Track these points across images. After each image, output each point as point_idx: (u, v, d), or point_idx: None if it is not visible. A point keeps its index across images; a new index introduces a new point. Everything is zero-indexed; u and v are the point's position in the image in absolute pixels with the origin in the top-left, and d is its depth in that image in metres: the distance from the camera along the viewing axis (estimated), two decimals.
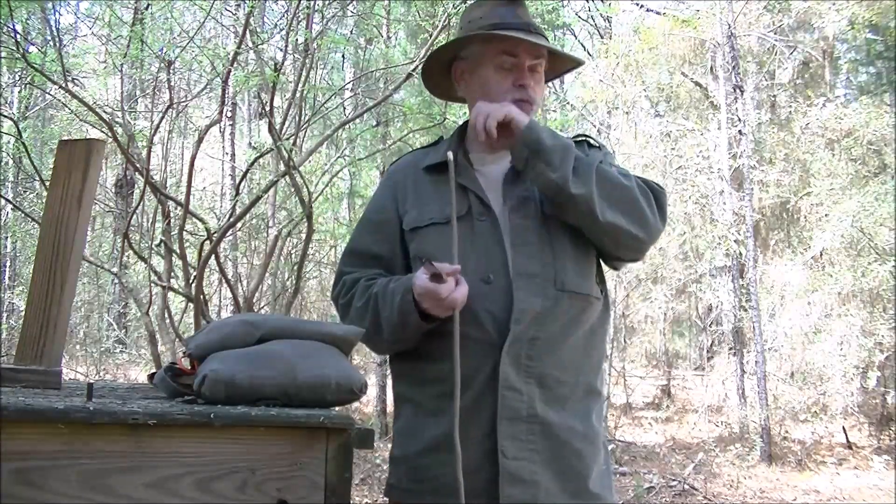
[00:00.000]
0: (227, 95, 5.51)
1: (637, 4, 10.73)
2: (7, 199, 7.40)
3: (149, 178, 4.80)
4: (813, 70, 9.95)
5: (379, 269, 1.60)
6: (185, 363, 1.19)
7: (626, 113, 10.47)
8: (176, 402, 1.10)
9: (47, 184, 1.87)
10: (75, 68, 6.06)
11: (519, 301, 1.45)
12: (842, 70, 10.99)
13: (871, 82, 10.66)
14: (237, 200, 5.73)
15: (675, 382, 11.79)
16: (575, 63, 1.75)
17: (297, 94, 4.90)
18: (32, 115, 8.96)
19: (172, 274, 5.11)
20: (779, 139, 8.88)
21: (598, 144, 1.68)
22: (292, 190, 4.99)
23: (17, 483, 0.90)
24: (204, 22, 5.58)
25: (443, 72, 1.69)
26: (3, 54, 4.88)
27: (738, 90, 8.11)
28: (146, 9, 5.43)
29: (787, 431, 7.70)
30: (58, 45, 5.10)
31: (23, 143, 5.16)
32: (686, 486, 6.08)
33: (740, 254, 8.10)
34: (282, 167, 4.74)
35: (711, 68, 9.14)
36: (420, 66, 1.80)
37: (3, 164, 7.89)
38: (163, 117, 5.24)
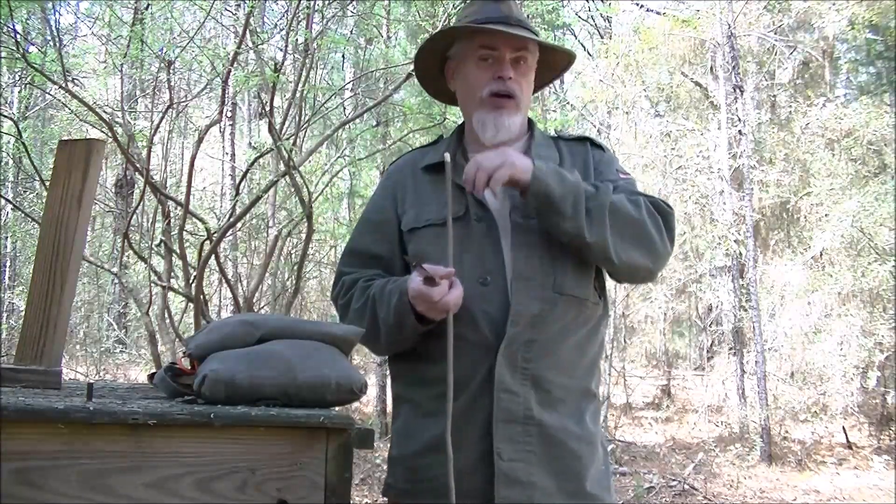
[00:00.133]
0: (227, 95, 5.50)
1: (637, 4, 10.73)
2: (7, 199, 7.40)
3: (149, 178, 4.80)
4: (813, 70, 9.95)
5: (378, 270, 1.60)
6: (185, 363, 1.19)
7: (626, 113, 10.47)
8: (176, 402, 1.10)
9: (47, 184, 1.87)
10: (75, 68, 6.06)
11: (516, 303, 1.44)
12: (842, 70, 10.99)
13: (871, 82, 10.65)
14: (237, 200, 5.73)
15: (675, 382, 11.79)
16: (567, 56, 1.71)
17: (297, 94, 4.90)
18: (32, 115, 8.96)
19: (172, 274, 5.11)
20: (779, 139, 8.88)
21: (601, 146, 1.66)
22: (292, 190, 4.99)
23: (17, 483, 0.90)
24: (204, 22, 5.58)
25: (438, 74, 1.70)
26: (3, 54, 4.88)
27: (738, 90, 8.11)
28: (146, 9, 5.43)
29: (787, 431, 7.70)
30: (58, 45, 5.10)
31: (23, 143, 5.16)
32: (686, 486, 6.08)
33: (740, 254, 8.10)
34: (282, 167, 4.74)
35: (711, 68, 9.14)
36: (415, 69, 1.77)
37: (3, 164, 7.88)
38: (163, 117, 5.24)
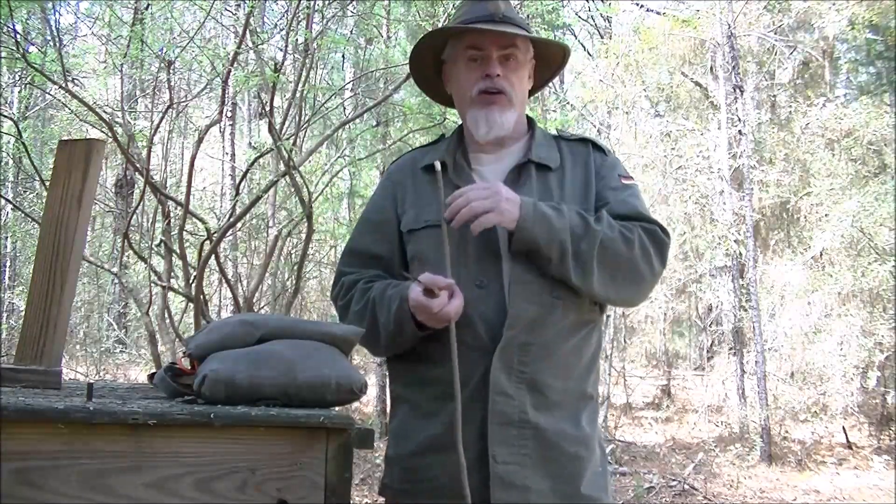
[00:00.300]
0: (227, 95, 5.50)
1: (637, 4, 10.72)
2: (7, 199, 7.40)
3: (149, 178, 4.80)
4: (813, 70, 9.94)
5: (378, 270, 1.60)
6: (185, 363, 1.19)
7: (626, 113, 10.46)
8: (176, 402, 1.10)
9: (47, 184, 1.87)
10: (75, 68, 6.06)
11: (512, 307, 1.44)
12: (842, 70, 10.99)
13: (871, 82, 10.65)
14: (237, 200, 5.72)
15: (675, 382, 11.79)
16: (561, 49, 1.69)
17: (297, 94, 4.90)
18: (32, 115, 8.95)
19: (172, 274, 5.11)
20: (779, 139, 8.88)
21: (603, 148, 1.65)
22: (292, 190, 4.99)
23: (17, 483, 0.90)
24: (204, 22, 5.58)
25: (436, 77, 1.70)
26: (3, 54, 4.87)
27: (738, 90, 8.11)
28: (146, 9, 5.42)
29: (787, 431, 7.70)
30: (58, 45, 5.10)
31: (23, 143, 5.15)
32: (686, 486, 6.08)
33: (740, 254, 8.10)
34: (282, 167, 4.73)
35: (711, 68, 9.14)
36: (413, 75, 1.76)
37: (3, 164, 7.88)
38: (163, 117, 5.23)
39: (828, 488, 6.29)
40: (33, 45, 6.49)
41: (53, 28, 7.11)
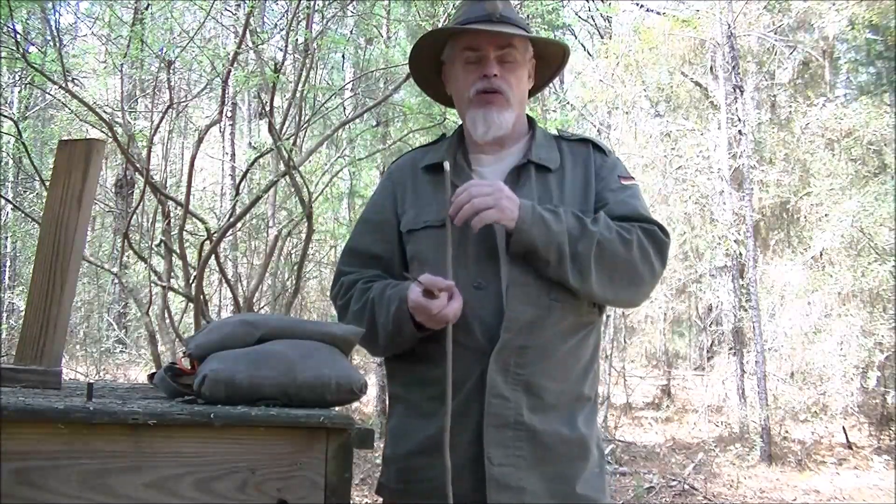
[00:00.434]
0: (227, 95, 5.50)
1: (637, 4, 10.72)
2: (7, 199, 7.40)
3: (149, 178, 4.80)
4: (813, 70, 9.94)
5: (378, 270, 1.60)
6: (185, 363, 1.19)
7: (626, 113, 10.46)
8: (176, 402, 1.10)
9: (47, 184, 1.87)
10: (75, 68, 6.06)
11: (509, 309, 1.44)
12: (842, 70, 10.99)
13: (871, 82, 10.65)
14: (237, 200, 5.72)
15: (675, 382, 11.79)
16: (561, 48, 1.68)
17: (297, 94, 4.90)
18: (32, 115, 8.95)
19: (172, 274, 5.11)
20: (779, 139, 8.88)
21: (604, 149, 1.64)
22: (292, 190, 4.99)
23: (17, 483, 0.90)
24: (204, 22, 5.58)
25: (437, 78, 1.70)
26: (3, 54, 4.87)
27: (738, 90, 8.11)
28: (146, 9, 5.42)
29: (787, 431, 7.70)
30: (58, 45, 5.10)
31: (23, 143, 5.15)
32: (686, 486, 6.08)
33: (740, 254, 8.10)
34: (282, 167, 4.73)
35: (711, 68, 9.14)
36: (413, 76, 1.76)
37: (3, 164, 7.88)
38: (163, 117, 5.24)
39: (828, 488, 6.29)
40: (33, 45, 6.49)
41: (53, 28, 7.12)
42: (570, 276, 1.43)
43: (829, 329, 7.37)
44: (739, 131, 8.11)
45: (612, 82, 9.56)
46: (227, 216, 5.77)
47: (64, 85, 4.59)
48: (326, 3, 5.13)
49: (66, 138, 1.56)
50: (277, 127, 4.62)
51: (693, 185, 8.98)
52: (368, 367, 8.89)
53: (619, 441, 7.74)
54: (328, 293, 1.75)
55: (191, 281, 4.68)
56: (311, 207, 4.64)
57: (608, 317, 8.57)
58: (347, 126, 6.06)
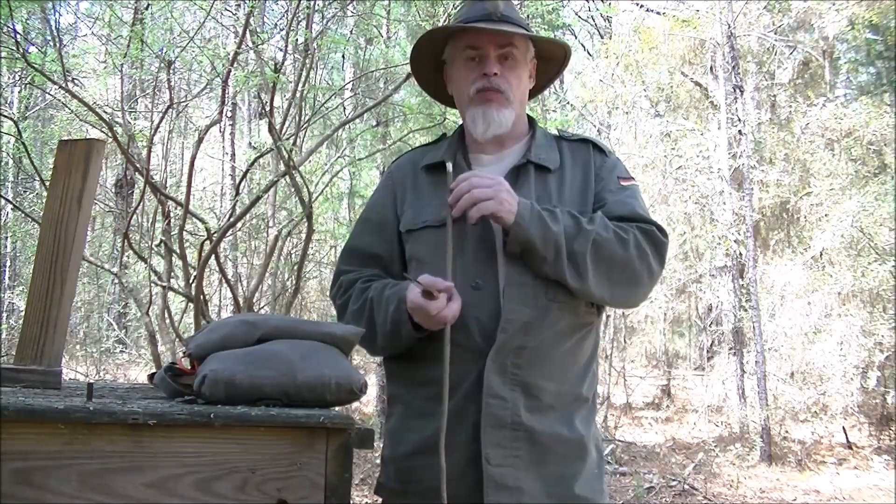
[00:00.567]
0: (227, 95, 5.50)
1: (637, 4, 10.72)
2: (7, 199, 7.40)
3: (149, 178, 4.80)
4: (813, 70, 9.94)
5: (377, 269, 1.60)
6: (185, 363, 1.19)
7: (626, 113, 10.47)
8: (176, 402, 1.10)
9: (47, 184, 1.87)
10: (75, 68, 6.05)
11: (507, 310, 1.44)
12: (842, 70, 10.99)
13: (871, 82, 10.66)
14: (237, 200, 5.73)
15: (675, 382, 11.79)
16: (562, 48, 1.68)
17: (297, 94, 4.90)
18: (32, 115, 8.95)
19: (172, 274, 5.11)
20: (779, 139, 8.88)
21: (604, 149, 1.64)
22: (292, 190, 4.99)
23: (17, 483, 0.90)
24: (204, 22, 5.58)
25: (438, 78, 1.70)
26: (3, 54, 4.87)
27: (737, 90, 8.11)
28: (146, 9, 5.43)
29: (787, 431, 7.70)
30: (58, 45, 5.10)
31: (23, 143, 5.15)
32: (686, 486, 6.08)
33: (740, 254, 8.10)
34: (282, 167, 4.74)
35: (711, 68, 9.14)
36: (415, 77, 1.76)
37: (3, 164, 7.89)
38: (163, 117, 5.24)
39: (828, 488, 6.29)
40: (33, 45, 6.50)
41: (53, 28, 7.13)
42: (567, 274, 1.43)
43: (829, 329, 7.36)
44: (739, 131, 8.12)
45: (612, 82, 9.56)
46: (227, 216, 5.77)
47: (64, 85, 4.59)
48: (326, 3, 5.13)
49: (66, 138, 1.56)
50: (277, 127, 4.62)
51: (693, 185, 8.98)
52: (368, 367, 8.89)
53: (619, 441, 7.74)
54: (328, 293, 1.75)
55: (191, 281, 4.68)
56: (311, 207, 4.64)
57: (608, 317, 8.58)
58: (347, 126, 6.07)
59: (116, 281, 6.42)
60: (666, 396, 10.93)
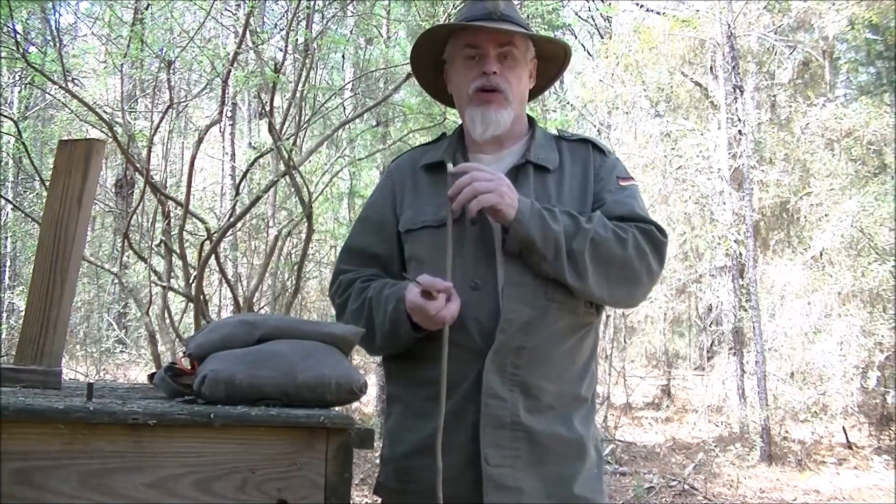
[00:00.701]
0: (227, 95, 5.50)
1: (637, 4, 10.72)
2: (7, 199, 7.40)
3: (149, 178, 4.80)
4: (813, 70, 9.95)
5: (376, 269, 1.60)
6: (185, 363, 1.19)
7: (626, 113, 10.47)
8: (176, 402, 1.10)
9: (47, 184, 1.87)
10: (75, 68, 6.05)
11: (506, 310, 1.44)
12: (842, 70, 10.99)
13: (871, 82, 10.66)
14: (237, 200, 5.73)
15: (675, 382, 11.79)
16: (563, 47, 1.68)
17: (297, 94, 4.90)
18: (32, 115, 8.95)
19: (172, 274, 5.11)
20: (779, 139, 8.88)
21: (603, 150, 1.64)
22: (292, 190, 4.99)
23: (17, 483, 0.90)
24: (204, 22, 5.58)
25: (439, 78, 1.70)
26: (3, 54, 4.87)
27: (737, 90, 8.12)
28: (146, 9, 5.43)
29: (787, 431, 7.70)
30: (58, 45, 5.10)
31: (23, 143, 5.16)
32: (686, 486, 6.08)
33: (740, 254, 8.10)
34: (282, 167, 4.74)
35: (711, 68, 9.14)
36: (416, 77, 1.76)
37: (3, 164, 7.89)
38: (163, 117, 5.24)
39: (828, 488, 6.29)
40: (33, 45, 6.50)
41: (53, 28, 7.13)
42: (566, 273, 1.42)
43: (829, 329, 7.37)
44: (739, 131, 8.12)
45: (612, 82, 9.56)
46: (227, 216, 5.77)
47: (64, 85, 4.59)
48: (326, 3, 5.13)
49: (66, 138, 1.56)
50: (277, 127, 4.62)
51: (693, 185, 8.98)
52: (368, 367, 8.89)
53: (619, 441, 7.74)
54: (327, 293, 1.74)
55: (191, 281, 4.68)
56: (311, 207, 4.64)
57: (608, 317, 8.57)
58: (347, 126, 6.07)
59: (116, 281, 6.42)
60: (666, 396, 10.93)
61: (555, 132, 1.69)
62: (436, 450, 1.37)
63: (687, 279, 9.64)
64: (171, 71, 5.05)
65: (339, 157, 6.79)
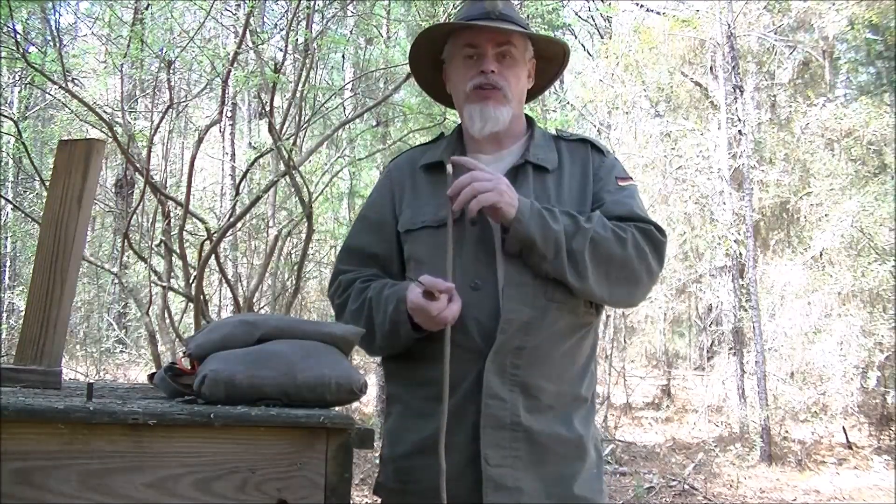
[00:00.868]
0: (227, 95, 5.50)
1: (637, 4, 10.72)
2: (7, 199, 7.40)
3: (149, 178, 4.80)
4: (813, 70, 9.94)
5: (376, 269, 1.60)
6: (185, 363, 1.19)
7: (626, 113, 10.47)
8: (176, 402, 1.10)
9: (47, 184, 1.87)
10: (75, 68, 6.06)
11: (506, 310, 1.44)
12: (842, 70, 10.99)
13: (871, 82, 10.66)
14: (237, 200, 5.73)
15: (675, 382, 11.79)
16: (561, 47, 1.68)
17: (297, 94, 4.90)
18: (32, 115, 8.95)
19: (172, 274, 5.11)
20: (779, 139, 8.88)
21: (602, 150, 1.64)
22: (292, 190, 4.99)
23: (17, 483, 0.90)
24: (204, 22, 5.58)
25: (439, 78, 1.70)
26: (3, 54, 4.87)
27: (737, 90, 8.12)
28: (146, 9, 5.43)
29: (787, 431, 7.70)
30: (58, 45, 5.10)
31: (23, 143, 5.16)
32: (686, 486, 6.08)
33: (740, 254, 8.10)
34: (282, 167, 4.74)
35: (711, 68, 9.14)
36: (415, 77, 1.76)
37: (3, 164, 7.89)
38: (163, 117, 5.24)
39: (828, 488, 6.29)
40: (33, 45, 6.50)
41: (53, 28, 7.13)
42: (567, 272, 1.42)
43: (829, 329, 7.36)
44: (739, 131, 8.11)
45: (612, 82, 9.56)
46: (227, 216, 5.77)
47: (64, 85, 4.59)
48: (326, 3, 5.13)
49: (66, 138, 1.56)
50: (277, 127, 4.62)
51: (693, 185, 8.98)
52: (368, 367, 8.89)
53: (619, 441, 7.74)
54: (327, 292, 1.74)
55: (191, 281, 4.68)
56: (311, 207, 4.64)
57: (608, 317, 8.57)
58: (347, 126, 6.07)
59: (116, 281, 6.42)
60: (666, 396, 10.92)
61: (553, 132, 1.69)
62: (439, 450, 1.37)
63: (687, 279, 9.64)
64: (171, 71, 5.05)
65: (339, 157, 6.79)
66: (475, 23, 1.53)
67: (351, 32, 6.39)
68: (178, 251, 4.76)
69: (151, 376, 1.32)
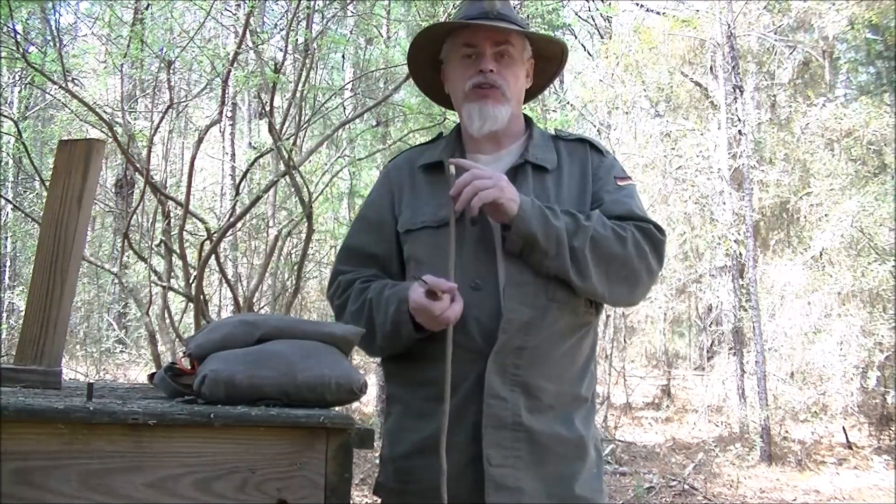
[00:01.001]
0: (227, 95, 5.50)
1: (637, 4, 10.72)
2: (7, 199, 7.41)
3: (149, 178, 4.80)
4: (813, 70, 9.94)
5: (375, 269, 1.60)
6: (185, 363, 1.19)
7: (626, 113, 10.46)
8: (176, 402, 1.10)
9: (47, 184, 1.87)
10: (75, 68, 6.05)
11: (507, 310, 1.44)
12: (842, 70, 10.99)
13: (871, 82, 10.66)
14: (237, 200, 5.72)
15: (675, 382, 11.79)
16: (558, 46, 1.68)
17: (297, 94, 4.90)
18: (32, 115, 8.95)
19: (172, 274, 5.11)
20: (779, 139, 8.88)
21: (601, 149, 1.64)
22: (292, 190, 4.99)
23: (17, 483, 0.90)
24: (204, 22, 5.58)
25: (437, 79, 1.70)
26: (3, 54, 4.87)
27: (737, 90, 8.11)
28: (146, 9, 5.42)
29: (787, 431, 7.70)
30: (58, 45, 5.10)
31: (23, 143, 5.16)
32: (686, 486, 6.08)
33: (740, 254, 8.10)
34: (282, 167, 4.73)
35: (711, 68, 9.14)
36: (413, 78, 1.76)
37: (3, 164, 7.89)
38: (163, 117, 5.23)
39: (828, 488, 6.29)
40: (33, 45, 6.50)
41: (53, 28, 7.12)
42: (569, 269, 1.43)
43: (829, 329, 7.36)
44: (739, 131, 8.11)
45: (612, 82, 9.56)
46: (227, 216, 5.77)
47: (64, 85, 4.59)
48: (326, 3, 5.13)
49: (66, 138, 1.56)
50: (277, 127, 4.62)
51: (693, 185, 8.98)
52: (368, 367, 8.89)
53: (619, 441, 7.74)
54: (326, 293, 1.74)
55: (191, 281, 4.67)
56: (311, 207, 4.63)
57: (608, 317, 8.57)
58: (347, 126, 6.06)
59: (116, 281, 6.42)
60: (666, 396, 10.92)
61: (552, 132, 1.69)
62: (440, 450, 1.37)
63: (687, 279, 9.64)
64: (171, 71, 5.05)
65: (339, 157, 6.79)
66: (473, 22, 1.54)
67: (351, 32, 6.39)
68: (178, 251, 4.76)
69: (151, 376, 1.32)
